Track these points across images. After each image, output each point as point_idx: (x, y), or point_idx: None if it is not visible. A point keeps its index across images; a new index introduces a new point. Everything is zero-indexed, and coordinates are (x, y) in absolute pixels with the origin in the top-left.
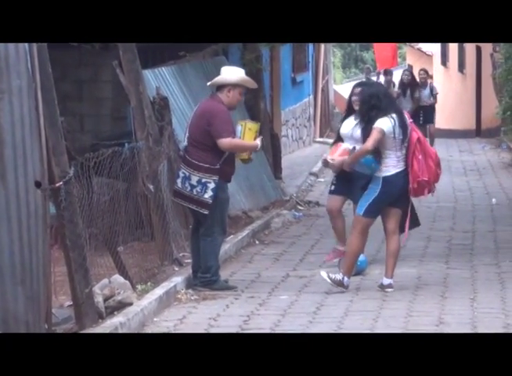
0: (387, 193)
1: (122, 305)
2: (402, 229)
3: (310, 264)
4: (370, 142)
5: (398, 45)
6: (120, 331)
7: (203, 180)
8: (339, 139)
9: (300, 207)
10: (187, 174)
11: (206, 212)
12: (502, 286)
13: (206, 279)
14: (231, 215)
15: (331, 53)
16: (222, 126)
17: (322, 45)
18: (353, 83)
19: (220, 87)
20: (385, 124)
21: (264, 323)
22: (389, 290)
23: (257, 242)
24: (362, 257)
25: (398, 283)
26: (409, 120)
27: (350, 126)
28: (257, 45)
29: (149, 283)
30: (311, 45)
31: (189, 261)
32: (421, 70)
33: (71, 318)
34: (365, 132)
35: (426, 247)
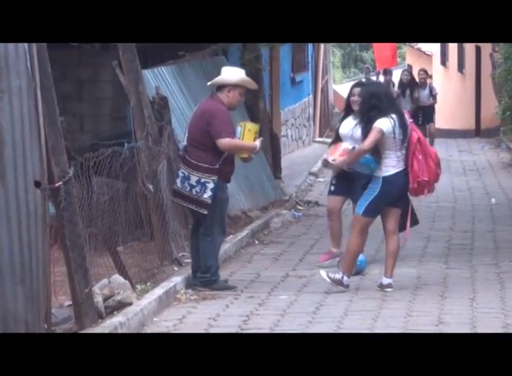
0: (386, 192)
1: (122, 305)
2: (401, 228)
3: (309, 264)
4: (368, 142)
5: (397, 44)
6: (119, 331)
7: (203, 180)
8: (337, 139)
9: (299, 207)
10: (186, 174)
11: (205, 212)
12: (502, 286)
13: (205, 279)
14: (230, 215)
15: (331, 53)
16: (222, 126)
17: (322, 45)
18: (352, 83)
19: (220, 87)
20: (384, 124)
21: (263, 323)
22: (388, 290)
23: (256, 242)
24: (361, 257)
25: (398, 283)
26: (409, 120)
27: (349, 126)
28: (256, 44)
29: (148, 283)
30: (310, 45)
31: (189, 261)
32: (421, 70)
33: (71, 318)
34: (365, 132)
35: (425, 247)
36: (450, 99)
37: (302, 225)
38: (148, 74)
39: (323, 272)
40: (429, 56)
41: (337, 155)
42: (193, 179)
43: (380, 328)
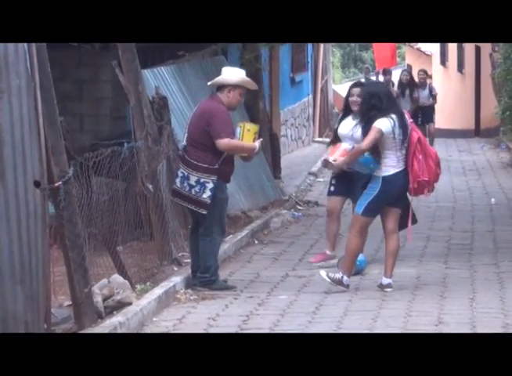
0: (386, 192)
1: (121, 305)
2: (401, 227)
3: (309, 264)
4: (366, 142)
5: (397, 44)
6: (119, 331)
7: (202, 180)
8: (336, 139)
9: (299, 207)
10: (186, 174)
11: (204, 212)
12: (501, 286)
13: (205, 279)
14: (230, 215)
15: (330, 53)
16: (221, 126)
17: (322, 45)
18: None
19: (220, 87)
20: (384, 124)
21: (263, 322)
22: (388, 289)
23: (256, 242)
24: (361, 257)
25: (398, 283)
26: (409, 120)
27: (349, 126)
28: (256, 44)
29: (148, 283)
30: (310, 45)
31: (188, 261)
32: (420, 70)
33: (70, 318)
34: (365, 132)
35: (425, 247)
36: (450, 99)
37: (302, 225)
38: (147, 73)
39: (323, 272)
40: (429, 56)
41: (337, 155)
42: (193, 179)
43: (380, 328)
